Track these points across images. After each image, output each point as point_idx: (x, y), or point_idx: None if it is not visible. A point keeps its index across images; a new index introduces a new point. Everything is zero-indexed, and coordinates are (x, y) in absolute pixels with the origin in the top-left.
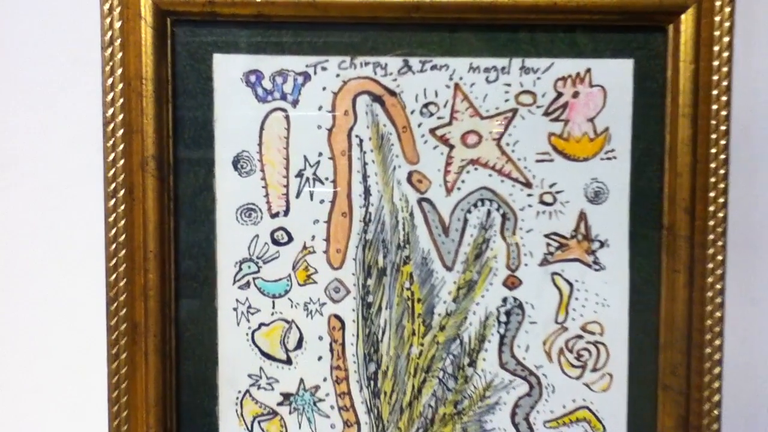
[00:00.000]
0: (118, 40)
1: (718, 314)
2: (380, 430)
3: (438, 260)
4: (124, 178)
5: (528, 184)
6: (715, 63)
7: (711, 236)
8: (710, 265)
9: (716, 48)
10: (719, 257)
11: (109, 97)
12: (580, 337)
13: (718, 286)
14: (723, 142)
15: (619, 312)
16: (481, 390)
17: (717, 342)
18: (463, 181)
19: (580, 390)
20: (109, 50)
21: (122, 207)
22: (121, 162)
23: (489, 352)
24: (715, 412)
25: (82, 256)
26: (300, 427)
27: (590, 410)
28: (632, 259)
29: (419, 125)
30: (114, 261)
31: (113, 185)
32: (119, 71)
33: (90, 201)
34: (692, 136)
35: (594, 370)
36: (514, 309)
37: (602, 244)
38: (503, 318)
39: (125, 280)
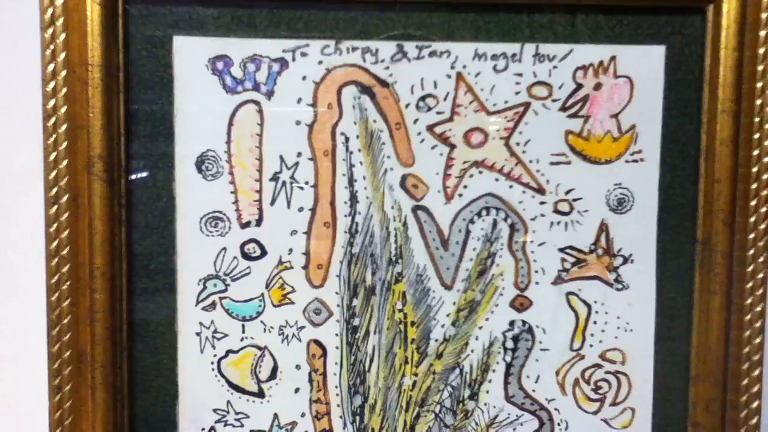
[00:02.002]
0: (61, 19)
1: (757, 341)
2: None
3: (435, 278)
4: (68, 181)
5: (541, 191)
6: (761, 50)
7: (752, 251)
8: (750, 285)
9: (763, 33)
10: (760, 275)
11: (50, 86)
12: (598, 366)
13: (759, 309)
14: None
15: (644, 338)
16: (484, 427)
17: (756, 372)
18: (465, 187)
19: (598, 427)
20: (50, 31)
21: (65, 215)
22: (64, 163)
23: (493, 384)
24: None
25: (19, 272)
26: None
27: None
28: (660, 277)
29: (415, 121)
30: (56, 278)
31: (55, 190)
32: (62, 56)
33: (28, 208)
34: (733, 136)
35: (614, 404)
36: (522, 334)
37: (626, 260)
38: (510, 344)
39: (69, 300)
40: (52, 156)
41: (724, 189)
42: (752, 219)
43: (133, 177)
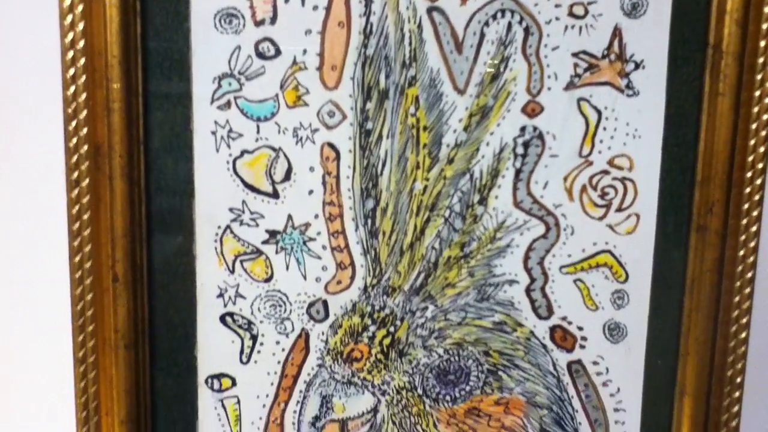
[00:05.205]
0: None
1: (762, 149)
2: (377, 273)
3: (449, 82)
4: None
5: None
6: None
7: (761, 59)
8: (758, 93)
9: None
10: None
11: None
12: (606, 172)
13: (766, 117)
14: None
15: (652, 144)
16: (492, 231)
17: (759, 181)
18: None
19: (603, 232)
20: None
21: (80, 7)
22: None
23: (502, 189)
24: (751, 258)
25: (34, 66)
26: (288, 269)
27: (612, 255)
28: (671, 83)
29: None
30: (72, 72)
31: None
32: None
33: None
34: None
35: (619, 209)
36: (533, 140)
37: (637, 66)
38: (520, 150)
39: (85, 94)
40: None
41: None
42: (765, 26)
43: None
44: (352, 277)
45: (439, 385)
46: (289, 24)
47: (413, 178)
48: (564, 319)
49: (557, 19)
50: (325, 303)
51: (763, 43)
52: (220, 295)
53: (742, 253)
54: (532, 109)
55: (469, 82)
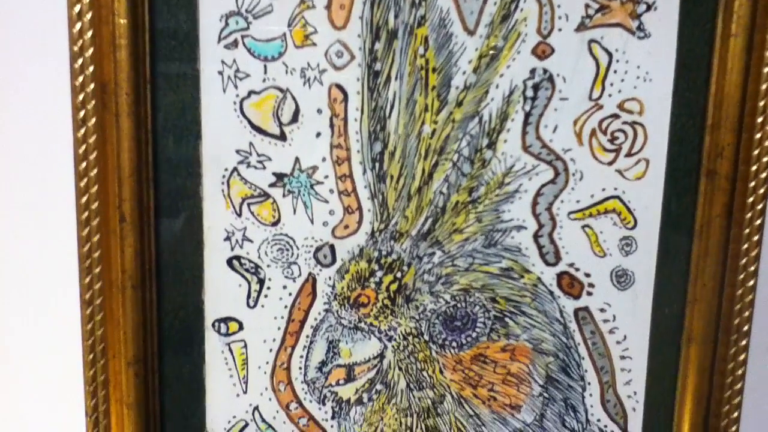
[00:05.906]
0: None
1: None
2: (385, 217)
3: (458, 22)
4: None
5: None
6: None
7: None
8: None
9: None
10: None
11: None
12: (616, 116)
13: None
14: None
15: (663, 88)
16: (500, 176)
17: None
18: None
19: (612, 177)
20: None
21: None
22: None
23: (511, 133)
24: (761, 205)
25: (39, 2)
26: (295, 213)
27: (621, 200)
28: (683, 25)
29: None
30: (78, 8)
31: None
32: None
33: None
34: None
35: (629, 154)
36: (543, 82)
37: (649, 7)
38: (530, 93)
39: (91, 31)
40: None
41: None
42: None
43: None
44: (360, 222)
45: (445, 331)
46: None
47: (422, 121)
48: (571, 265)
49: None
50: (332, 247)
51: None
52: (227, 239)
53: (751, 200)
54: (542, 51)
55: (479, 23)
